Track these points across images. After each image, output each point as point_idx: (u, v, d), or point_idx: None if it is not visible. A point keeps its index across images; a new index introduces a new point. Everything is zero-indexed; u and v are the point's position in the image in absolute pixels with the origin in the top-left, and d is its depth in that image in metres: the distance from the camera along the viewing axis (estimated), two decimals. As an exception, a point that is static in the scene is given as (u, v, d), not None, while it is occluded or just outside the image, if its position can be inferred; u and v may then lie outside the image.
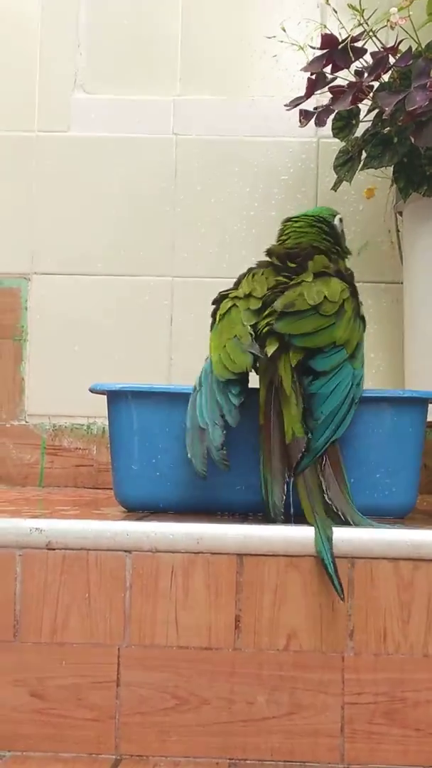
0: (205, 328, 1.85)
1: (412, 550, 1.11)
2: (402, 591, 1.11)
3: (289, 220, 1.44)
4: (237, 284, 1.34)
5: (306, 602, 1.11)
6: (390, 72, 1.56)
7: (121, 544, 1.13)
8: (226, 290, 1.34)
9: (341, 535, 1.11)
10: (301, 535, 1.12)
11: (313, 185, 1.87)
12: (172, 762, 1.10)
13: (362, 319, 1.31)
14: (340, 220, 1.43)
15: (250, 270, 1.34)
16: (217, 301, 1.34)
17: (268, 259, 1.36)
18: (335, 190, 1.71)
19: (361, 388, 1.27)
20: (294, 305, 1.23)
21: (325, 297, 1.24)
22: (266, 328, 1.24)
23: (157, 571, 1.12)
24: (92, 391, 1.36)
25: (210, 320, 1.34)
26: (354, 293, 1.31)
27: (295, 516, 1.18)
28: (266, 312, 1.26)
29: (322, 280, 1.27)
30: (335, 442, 1.21)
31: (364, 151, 1.61)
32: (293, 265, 1.30)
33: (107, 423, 1.35)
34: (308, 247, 1.34)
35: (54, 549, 1.13)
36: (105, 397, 1.35)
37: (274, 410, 1.21)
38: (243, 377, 1.23)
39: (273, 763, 1.09)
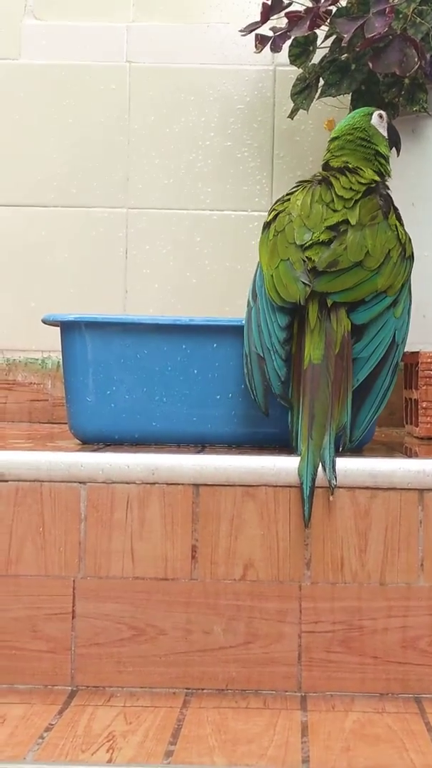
0: (159, 260, 1.84)
1: (369, 479, 1.10)
2: (359, 520, 1.10)
3: (333, 139, 1.36)
4: (289, 195, 1.30)
5: (262, 532, 1.10)
6: (348, -4, 1.53)
7: (75, 476, 1.11)
8: (280, 199, 1.31)
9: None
10: (257, 464, 1.11)
11: (269, 114, 1.84)
12: (128, 693, 1.09)
13: (410, 258, 1.28)
14: (380, 116, 1.36)
15: (301, 184, 1.31)
16: (273, 212, 1.30)
17: (324, 172, 1.31)
18: (291, 118, 1.68)
19: (404, 345, 1.26)
20: (337, 264, 1.21)
21: (367, 252, 1.22)
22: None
23: (112, 502, 1.11)
24: (45, 322, 1.34)
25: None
26: (398, 219, 1.28)
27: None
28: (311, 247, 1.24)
29: (370, 229, 1.24)
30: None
31: (321, 79, 1.58)
32: (348, 197, 1.26)
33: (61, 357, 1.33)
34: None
35: (7, 481, 1.11)
36: (59, 330, 1.32)
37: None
38: (294, 307, 1.22)
39: (230, 692, 1.09)
